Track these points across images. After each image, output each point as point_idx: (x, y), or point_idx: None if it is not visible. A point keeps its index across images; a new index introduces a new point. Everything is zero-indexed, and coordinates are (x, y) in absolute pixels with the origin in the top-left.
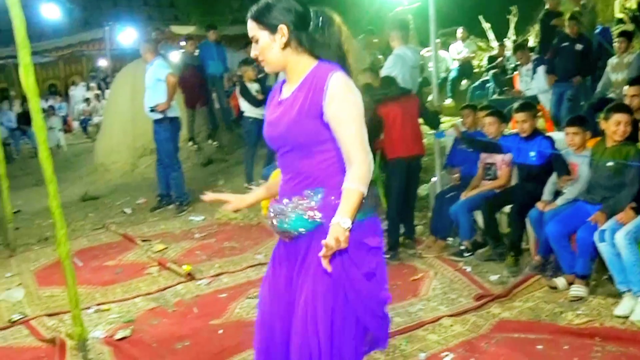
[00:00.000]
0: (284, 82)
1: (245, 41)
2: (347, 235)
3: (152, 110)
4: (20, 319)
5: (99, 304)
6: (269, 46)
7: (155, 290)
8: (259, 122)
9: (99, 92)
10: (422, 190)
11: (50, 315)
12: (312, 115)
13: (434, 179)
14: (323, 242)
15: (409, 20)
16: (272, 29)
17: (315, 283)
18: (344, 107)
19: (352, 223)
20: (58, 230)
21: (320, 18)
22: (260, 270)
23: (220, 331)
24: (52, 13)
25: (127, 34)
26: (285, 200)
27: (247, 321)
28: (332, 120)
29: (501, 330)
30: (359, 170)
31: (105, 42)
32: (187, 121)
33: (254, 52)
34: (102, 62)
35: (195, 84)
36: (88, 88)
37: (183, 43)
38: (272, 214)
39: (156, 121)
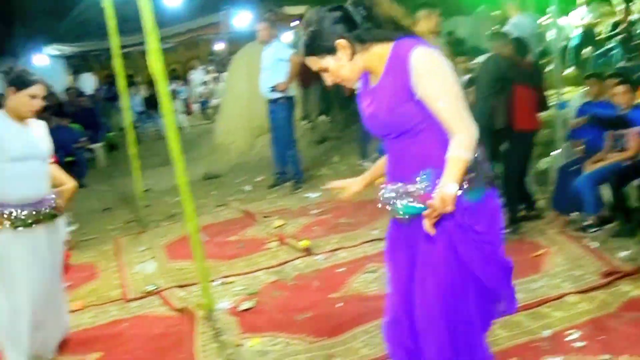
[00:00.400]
0: (366, 73)
1: None
2: (454, 198)
3: (273, 89)
4: (154, 289)
5: (224, 277)
6: (339, 66)
7: (275, 265)
8: None
9: (216, 74)
10: (543, 163)
11: (180, 286)
12: (405, 99)
13: (555, 152)
14: (428, 202)
15: None
16: (332, 51)
17: (425, 257)
18: (434, 82)
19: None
20: (186, 207)
21: (361, 8)
22: (376, 245)
23: (339, 304)
24: (172, 1)
25: (242, 17)
26: (394, 185)
27: (365, 295)
28: (426, 98)
29: (631, 309)
30: (462, 138)
31: (221, 26)
32: (301, 100)
33: (329, 79)
34: (219, 46)
35: None
36: (206, 71)
37: (295, 23)
38: (383, 199)
39: (274, 100)
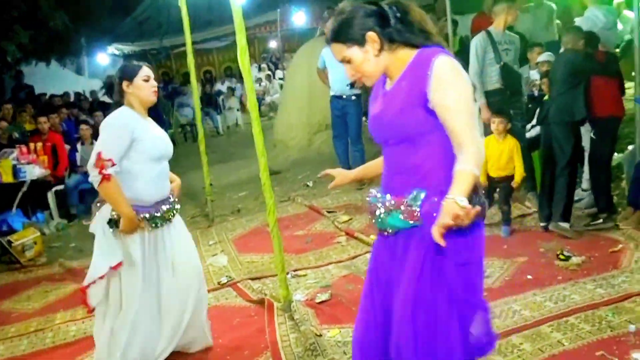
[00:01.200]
0: (385, 76)
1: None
2: (467, 211)
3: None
4: (228, 281)
5: (295, 270)
6: (364, 59)
7: (346, 259)
8: None
9: (269, 72)
10: (616, 158)
11: (253, 279)
12: (417, 104)
13: (631, 147)
14: (438, 222)
15: None
16: (361, 42)
17: (408, 285)
18: (451, 93)
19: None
20: (268, 200)
21: (396, 9)
22: None
23: None
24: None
25: (298, 16)
26: (386, 196)
27: None
28: (440, 108)
29: None
30: (472, 153)
31: (277, 24)
32: (364, 97)
33: (350, 72)
34: (273, 44)
35: None
36: (259, 69)
37: None
38: (370, 205)
39: (344, 97)
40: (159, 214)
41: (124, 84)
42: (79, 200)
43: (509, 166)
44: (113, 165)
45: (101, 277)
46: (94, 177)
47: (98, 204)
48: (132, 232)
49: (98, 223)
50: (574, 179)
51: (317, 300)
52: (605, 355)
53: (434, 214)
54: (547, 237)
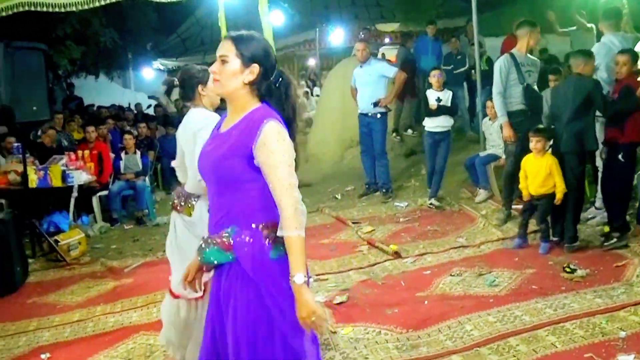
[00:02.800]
0: (225, 116)
1: (451, 35)
2: (308, 299)
3: (375, 104)
4: None
5: (318, 274)
6: (234, 75)
7: (366, 265)
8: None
9: (307, 89)
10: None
11: None
12: (240, 154)
13: None
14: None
15: (621, 7)
16: (246, 63)
17: (234, 318)
18: (274, 154)
19: (276, 259)
20: None
21: (281, 78)
22: (462, 252)
23: (426, 302)
24: (277, 20)
25: (336, 34)
26: (206, 236)
27: (451, 295)
28: (263, 165)
29: None
30: (290, 216)
31: (315, 43)
32: (394, 113)
33: (215, 68)
34: (311, 62)
35: (407, 78)
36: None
37: (387, 40)
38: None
39: (371, 115)
40: None
41: (199, 87)
42: (121, 206)
43: (547, 183)
44: None
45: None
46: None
47: (194, 199)
48: None
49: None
50: (582, 200)
51: (335, 302)
52: (594, 357)
53: (245, 249)
54: (558, 252)
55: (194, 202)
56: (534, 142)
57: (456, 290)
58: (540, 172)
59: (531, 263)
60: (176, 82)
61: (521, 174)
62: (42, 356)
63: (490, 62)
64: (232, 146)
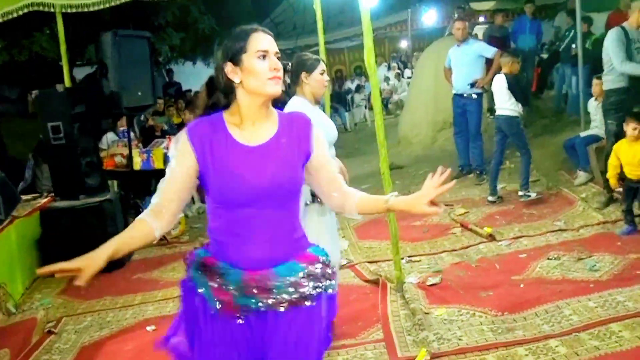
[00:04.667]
0: (222, 124)
1: (554, 11)
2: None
3: (472, 85)
4: (347, 263)
5: (410, 256)
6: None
7: (459, 248)
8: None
9: (399, 71)
10: None
11: (370, 262)
12: (300, 163)
13: None
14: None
15: None
16: (235, 59)
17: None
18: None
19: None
20: (386, 188)
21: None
22: (560, 235)
23: (521, 285)
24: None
25: (429, 15)
26: (261, 274)
27: (547, 279)
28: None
29: None
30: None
31: (407, 24)
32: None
33: (279, 65)
34: (403, 43)
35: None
36: (389, 68)
37: (481, 19)
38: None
39: (466, 96)
40: None
41: (303, 74)
42: None
43: None
44: None
45: None
46: None
47: None
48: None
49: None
50: None
51: (428, 283)
52: None
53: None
54: None
55: None
56: (631, 129)
57: (554, 275)
58: (636, 156)
59: (635, 248)
60: (289, 66)
61: (611, 162)
62: (148, 328)
63: (597, 44)
64: (294, 155)
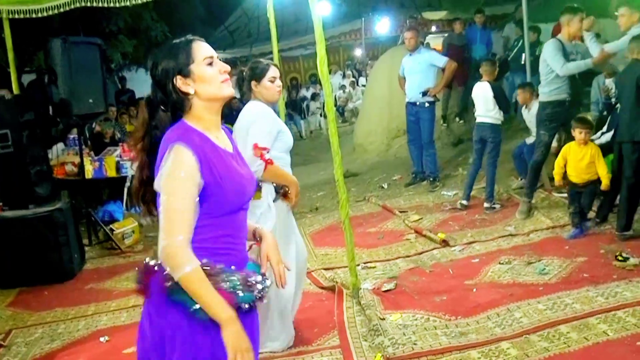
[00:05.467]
0: (200, 133)
1: (503, 21)
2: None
3: (424, 94)
4: None
5: (365, 262)
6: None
7: (413, 254)
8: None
9: (353, 79)
10: None
11: (327, 269)
12: None
13: None
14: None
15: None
16: (182, 71)
17: None
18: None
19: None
20: (341, 195)
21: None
22: (511, 240)
23: (474, 290)
24: (324, 10)
25: (382, 24)
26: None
27: (499, 283)
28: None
29: None
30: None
31: (361, 32)
32: (442, 100)
33: (227, 67)
34: (357, 51)
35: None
36: (344, 76)
37: (434, 28)
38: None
39: (418, 104)
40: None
41: (252, 83)
42: None
43: (590, 170)
44: (268, 152)
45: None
46: (258, 167)
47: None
48: (298, 195)
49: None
50: (636, 190)
51: (383, 289)
52: None
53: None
54: (609, 240)
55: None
56: (578, 133)
57: (505, 279)
58: (583, 160)
59: (582, 251)
60: (245, 73)
61: (558, 161)
62: (101, 339)
63: None
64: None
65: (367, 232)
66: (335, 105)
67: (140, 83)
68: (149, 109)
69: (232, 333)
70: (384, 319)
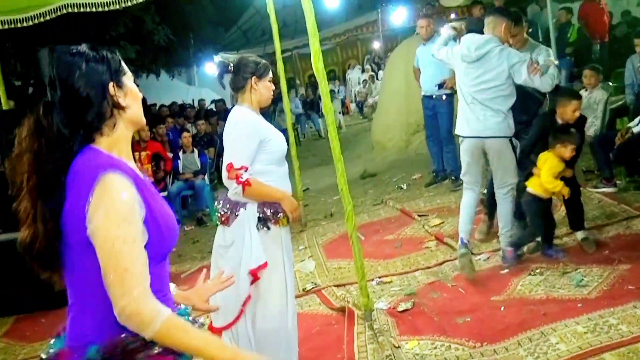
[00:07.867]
0: (121, 162)
1: (525, 3)
2: None
3: (440, 86)
4: (313, 288)
5: (381, 277)
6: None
7: (434, 264)
8: None
9: (373, 73)
10: None
11: (338, 285)
12: None
13: None
14: None
15: None
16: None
17: None
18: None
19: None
20: (346, 206)
21: None
22: None
23: (502, 308)
24: (332, 3)
25: (398, 14)
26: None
27: (530, 299)
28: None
29: None
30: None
31: (378, 24)
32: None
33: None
34: (375, 44)
35: None
36: (363, 70)
37: (452, 16)
38: None
39: (435, 97)
40: (283, 214)
41: (253, 79)
42: (181, 207)
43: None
44: (246, 170)
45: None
46: (235, 190)
47: (235, 212)
48: (295, 209)
49: (244, 227)
50: None
51: (399, 309)
52: None
53: None
54: None
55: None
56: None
57: (537, 293)
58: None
59: (625, 257)
60: (230, 67)
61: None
62: None
63: (580, 32)
64: None
65: (384, 239)
66: (355, 100)
67: (153, 89)
68: (36, 130)
69: None
70: (398, 347)
